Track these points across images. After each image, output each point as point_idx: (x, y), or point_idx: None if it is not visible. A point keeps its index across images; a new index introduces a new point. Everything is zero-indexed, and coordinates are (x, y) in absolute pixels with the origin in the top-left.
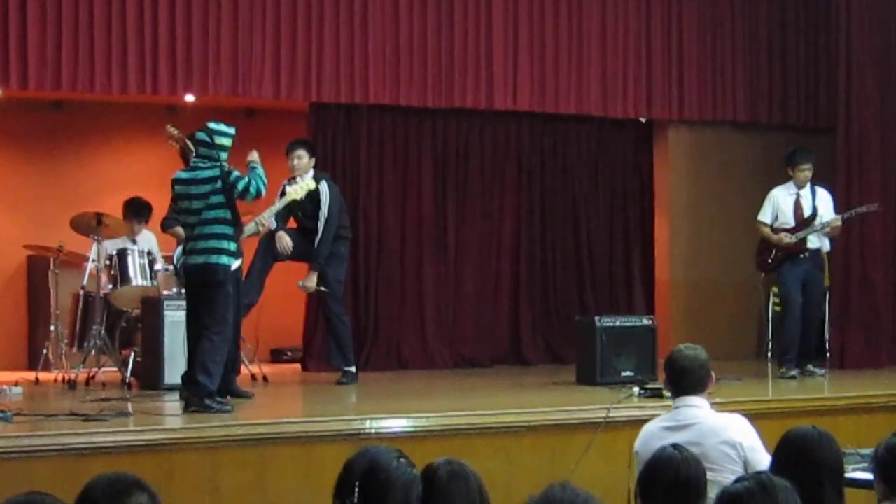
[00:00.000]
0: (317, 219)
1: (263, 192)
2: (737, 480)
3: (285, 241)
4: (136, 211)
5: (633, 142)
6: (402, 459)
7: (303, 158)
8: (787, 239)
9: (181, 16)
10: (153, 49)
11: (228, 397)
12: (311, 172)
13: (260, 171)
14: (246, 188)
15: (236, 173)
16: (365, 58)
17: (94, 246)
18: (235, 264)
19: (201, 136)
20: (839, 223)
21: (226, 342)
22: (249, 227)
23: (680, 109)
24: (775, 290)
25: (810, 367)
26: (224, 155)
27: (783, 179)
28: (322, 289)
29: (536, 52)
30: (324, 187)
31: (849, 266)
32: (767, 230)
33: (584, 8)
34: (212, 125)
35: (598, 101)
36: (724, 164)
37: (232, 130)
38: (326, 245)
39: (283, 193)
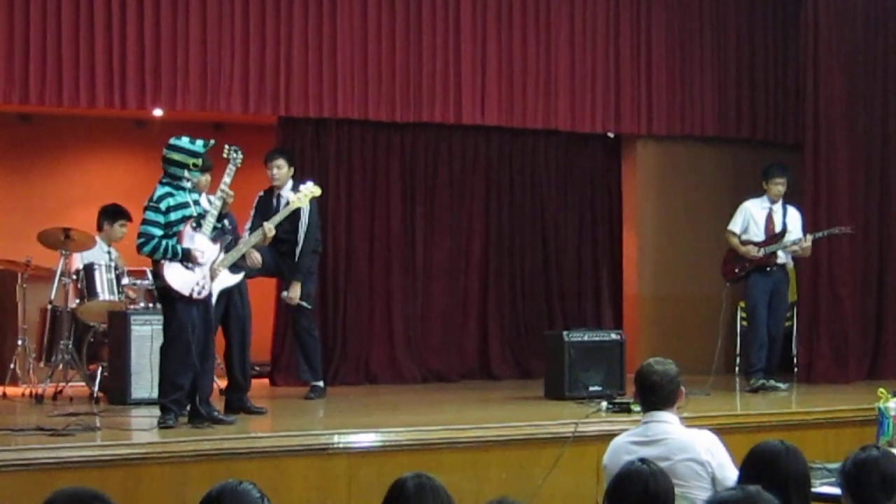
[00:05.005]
0: (293, 232)
1: (158, 257)
2: (727, 490)
3: (255, 258)
4: (119, 213)
5: (601, 157)
6: (255, 493)
7: (282, 168)
8: (755, 252)
9: (150, 30)
10: (121, 63)
11: (241, 413)
12: (290, 183)
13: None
14: (143, 243)
15: (151, 230)
16: (334, 72)
17: (61, 260)
18: (234, 280)
19: (163, 150)
20: (809, 244)
21: (180, 357)
22: (255, 235)
23: (648, 124)
24: (742, 304)
25: (773, 382)
26: (178, 171)
27: (751, 194)
28: (304, 304)
29: (505, 67)
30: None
31: (817, 281)
32: (736, 241)
33: (552, 23)
34: (171, 140)
35: (567, 116)
36: (692, 179)
37: (193, 147)
38: (308, 257)
39: (258, 206)
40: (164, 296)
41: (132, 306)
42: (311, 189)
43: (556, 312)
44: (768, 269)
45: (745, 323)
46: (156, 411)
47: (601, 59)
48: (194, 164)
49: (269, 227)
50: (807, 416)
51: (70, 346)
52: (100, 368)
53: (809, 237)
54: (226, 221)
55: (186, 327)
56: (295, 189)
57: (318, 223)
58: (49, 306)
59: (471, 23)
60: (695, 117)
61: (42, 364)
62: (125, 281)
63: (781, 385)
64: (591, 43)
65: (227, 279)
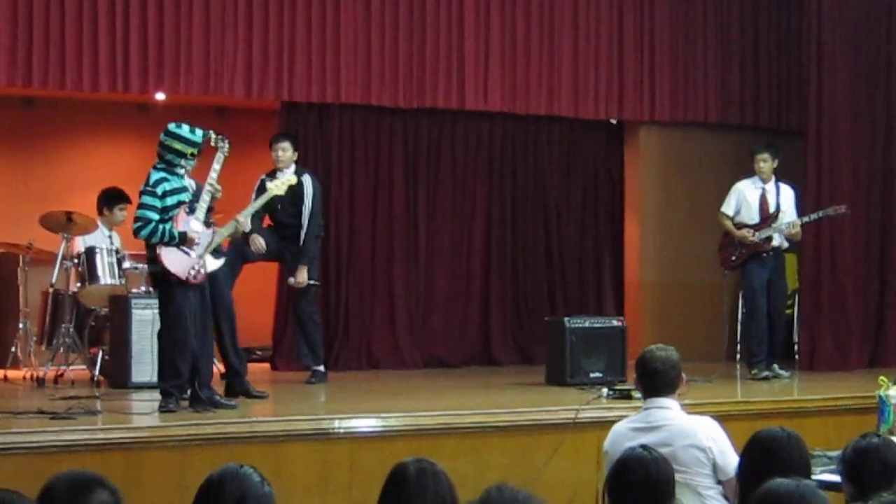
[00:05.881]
0: (297, 215)
1: (155, 241)
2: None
3: (259, 243)
4: (118, 197)
5: (604, 143)
6: (256, 477)
7: (287, 151)
8: (751, 237)
9: (153, 14)
10: (124, 47)
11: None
12: (293, 167)
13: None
14: (140, 227)
15: (148, 214)
16: (337, 57)
17: (63, 244)
18: (215, 265)
19: (161, 136)
20: (798, 228)
21: (177, 341)
22: (227, 228)
23: (651, 111)
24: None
25: (776, 368)
26: (176, 159)
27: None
28: (313, 282)
29: (508, 53)
30: (307, 181)
31: (819, 269)
32: (729, 223)
33: (555, 9)
34: (170, 126)
35: (570, 102)
36: (694, 166)
37: (193, 136)
38: (312, 241)
39: (262, 188)
40: (161, 280)
41: (133, 290)
42: (288, 178)
43: (558, 298)
44: (764, 254)
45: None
46: (157, 395)
47: (604, 45)
48: (192, 154)
49: (244, 222)
50: (808, 403)
51: (71, 330)
52: (101, 352)
53: (798, 221)
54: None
55: (183, 312)
56: (299, 174)
57: (322, 208)
58: (51, 290)
59: (474, 8)
60: (698, 104)
61: (43, 347)
62: (126, 265)
63: (784, 372)
64: (594, 29)
65: (211, 264)
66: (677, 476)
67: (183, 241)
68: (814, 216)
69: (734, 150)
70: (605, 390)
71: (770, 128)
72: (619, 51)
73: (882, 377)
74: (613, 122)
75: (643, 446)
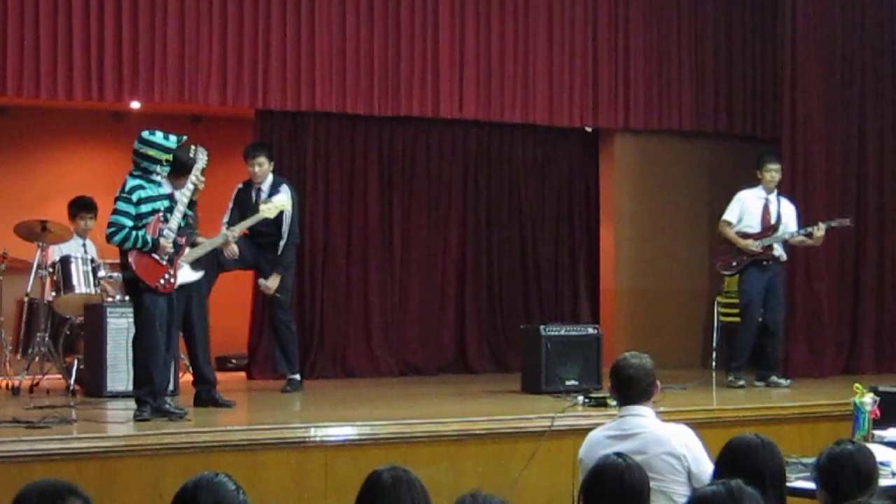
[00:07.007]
0: (274, 225)
1: (127, 247)
2: (709, 484)
3: (233, 249)
4: (83, 206)
5: (579, 151)
6: (231, 486)
7: (263, 165)
8: (754, 246)
9: (127, 22)
10: (99, 55)
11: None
12: (270, 178)
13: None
14: (113, 233)
15: (122, 220)
16: (312, 65)
17: (38, 252)
18: (195, 276)
19: (135, 143)
20: (822, 233)
21: (148, 348)
22: (216, 239)
23: (626, 118)
24: (720, 298)
25: (775, 378)
26: (151, 166)
27: (728, 188)
28: (279, 295)
29: (483, 61)
30: (283, 191)
31: (793, 276)
32: (731, 232)
33: (530, 17)
34: (144, 133)
35: (545, 110)
36: (669, 174)
37: (167, 143)
38: (290, 250)
39: (240, 199)
40: (133, 287)
41: (108, 299)
42: (282, 202)
43: (533, 306)
44: (765, 262)
45: (723, 318)
46: (132, 404)
47: (579, 53)
48: (167, 160)
49: (233, 235)
50: (783, 410)
51: (46, 339)
52: (76, 361)
53: (823, 226)
54: (189, 213)
55: (153, 318)
56: (275, 185)
57: (298, 217)
58: (26, 299)
59: (449, 16)
60: (672, 112)
61: (19, 356)
62: (101, 274)
63: (784, 381)
64: (569, 37)
65: (188, 275)
66: (652, 483)
67: (155, 248)
68: (832, 223)
69: (709, 157)
70: (580, 398)
71: (744, 135)
72: (593, 59)
73: (857, 384)
74: (588, 129)
75: (618, 454)
